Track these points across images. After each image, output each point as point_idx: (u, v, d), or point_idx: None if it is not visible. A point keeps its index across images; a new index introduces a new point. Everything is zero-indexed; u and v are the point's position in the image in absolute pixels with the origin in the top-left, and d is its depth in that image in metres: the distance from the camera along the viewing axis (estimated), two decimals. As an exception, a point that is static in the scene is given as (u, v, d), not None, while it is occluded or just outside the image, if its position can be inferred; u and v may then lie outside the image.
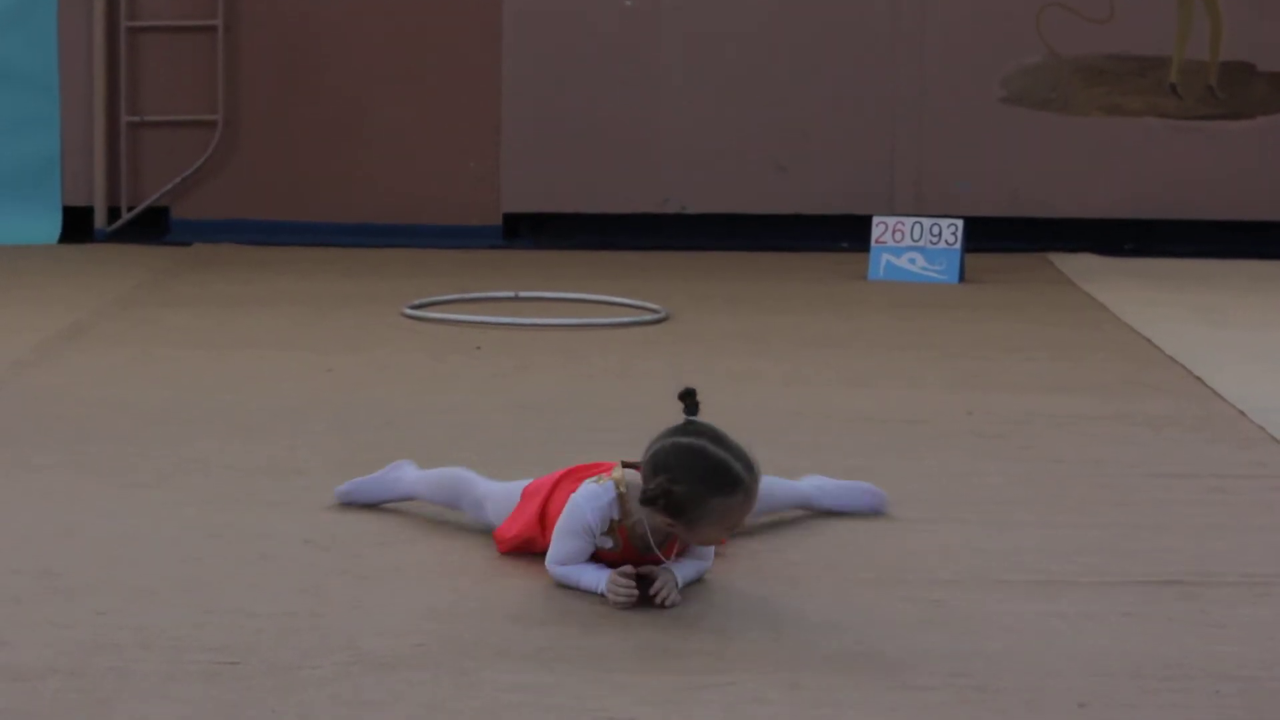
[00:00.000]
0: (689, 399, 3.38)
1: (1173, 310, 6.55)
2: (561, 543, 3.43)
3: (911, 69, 8.17)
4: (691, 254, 7.82)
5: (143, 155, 8.17)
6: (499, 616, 3.26)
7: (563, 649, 3.11)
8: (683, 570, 3.43)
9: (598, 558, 3.46)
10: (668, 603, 3.33)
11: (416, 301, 6.43)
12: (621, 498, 3.40)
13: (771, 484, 3.62)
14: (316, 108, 8.18)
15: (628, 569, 3.35)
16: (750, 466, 3.32)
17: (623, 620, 3.26)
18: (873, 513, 3.91)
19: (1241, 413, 4.92)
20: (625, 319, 6.22)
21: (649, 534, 3.38)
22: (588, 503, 3.41)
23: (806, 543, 3.73)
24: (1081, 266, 7.59)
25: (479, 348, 5.74)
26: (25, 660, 3.01)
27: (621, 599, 3.32)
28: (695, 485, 3.27)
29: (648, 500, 3.30)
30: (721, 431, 3.35)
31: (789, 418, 4.87)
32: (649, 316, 6.29)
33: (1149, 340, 5.98)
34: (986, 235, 7.84)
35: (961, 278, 7.24)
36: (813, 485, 3.92)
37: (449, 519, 3.84)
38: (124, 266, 7.30)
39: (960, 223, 7.31)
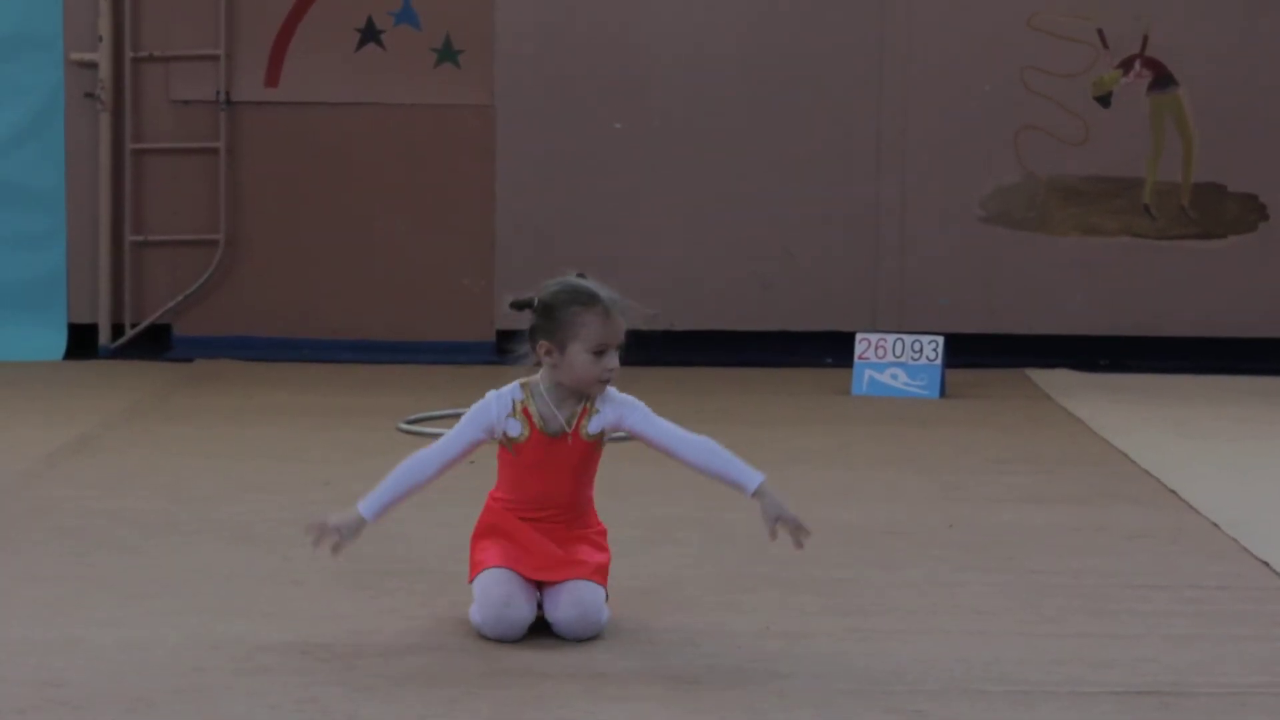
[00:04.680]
0: (581, 275, 3.91)
1: (1147, 424, 6.63)
2: (455, 429, 3.90)
3: (893, 189, 8.33)
4: (679, 369, 7.89)
5: (146, 273, 8.30)
6: (494, 724, 3.31)
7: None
8: (721, 460, 3.82)
9: (512, 461, 3.87)
10: (802, 537, 3.79)
11: (412, 416, 6.51)
12: (524, 386, 3.89)
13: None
14: (315, 228, 8.32)
15: (330, 534, 3.78)
16: (614, 298, 3.83)
17: (614, 727, 3.35)
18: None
19: (1214, 525, 5.00)
20: (615, 434, 6.32)
21: (553, 408, 3.83)
22: (492, 393, 3.89)
23: (792, 653, 3.80)
24: (1059, 382, 7.67)
25: (473, 461, 5.80)
26: (33, 770, 3.04)
27: (310, 535, 3.80)
28: (558, 294, 3.84)
29: (518, 306, 3.84)
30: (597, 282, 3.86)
31: (775, 530, 4.97)
32: (638, 430, 6.39)
33: (1124, 454, 6.06)
34: (966, 351, 7.94)
35: (942, 393, 7.34)
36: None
37: (448, 628, 3.92)
38: (127, 382, 7.38)
39: (941, 339, 7.42)
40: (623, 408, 3.93)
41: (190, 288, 8.27)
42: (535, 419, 3.89)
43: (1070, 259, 8.33)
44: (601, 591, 3.90)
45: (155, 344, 8.26)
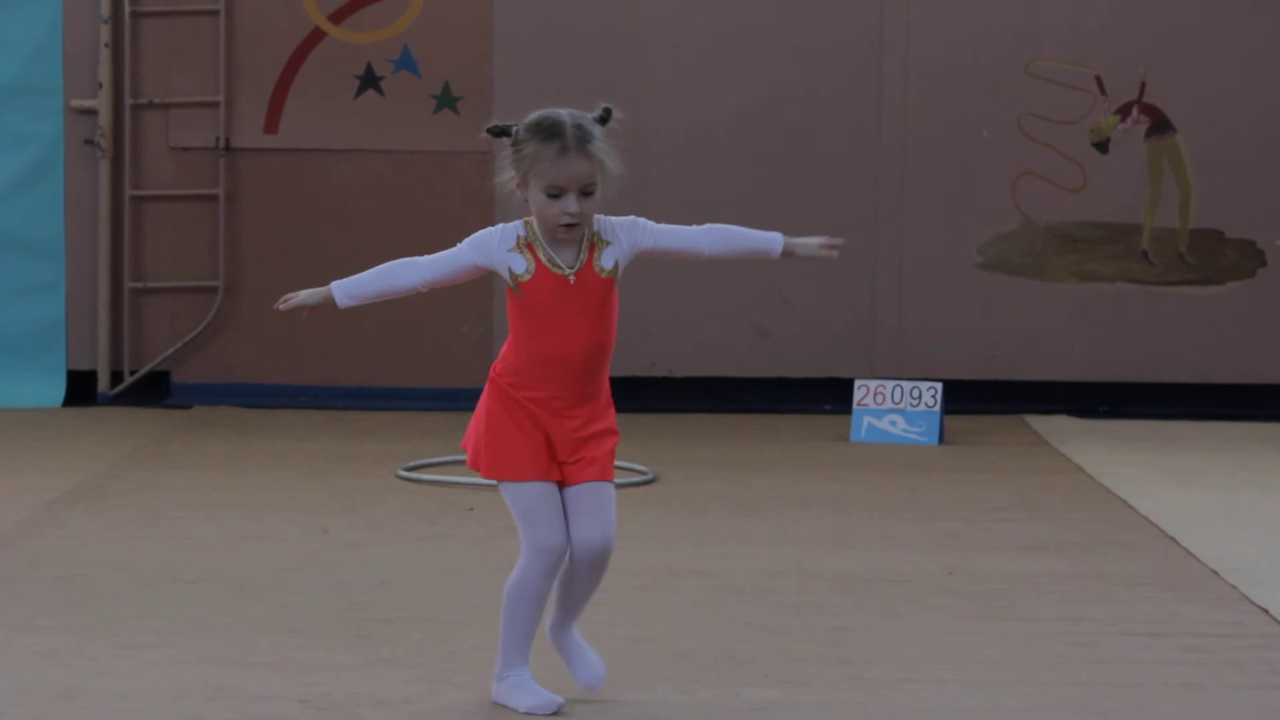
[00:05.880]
0: (607, 112, 3.61)
1: (1146, 471, 6.64)
2: (452, 249, 3.69)
3: (892, 236, 8.35)
4: (678, 416, 7.90)
5: (145, 320, 8.30)
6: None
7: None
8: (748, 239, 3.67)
9: (520, 296, 3.61)
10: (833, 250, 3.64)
11: (411, 463, 6.52)
12: (528, 224, 3.63)
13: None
14: (314, 274, 8.26)
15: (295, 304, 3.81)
16: (583, 138, 3.53)
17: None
18: None
19: (1214, 572, 5.00)
20: (613, 480, 6.31)
21: (549, 249, 3.57)
22: (496, 226, 3.64)
23: (790, 701, 3.79)
24: (1057, 428, 7.68)
25: (471, 509, 5.82)
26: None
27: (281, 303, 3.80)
28: (528, 124, 3.57)
29: (495, 132, 3.57)
30: (587, 116, 3.58)
31: (773, 577, 4.94)
32: (637, 478, 6.38)
33: (1124, 500, 6.06)
34: (965, 398, 7.94)
35: (941, 439, 7.34)
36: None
37: (447, 677, 3.91)
38: (126, 429, 7.38)
39: (939, 385, 7.42)
40: (633, 231, 3.64)
41: (189, 334, 8.27)
42: (542, 255, 3.58)
43: (1068, 305, 8.34)
44: (614, 499, 3.68)
45: (154, 391, 8.26)
